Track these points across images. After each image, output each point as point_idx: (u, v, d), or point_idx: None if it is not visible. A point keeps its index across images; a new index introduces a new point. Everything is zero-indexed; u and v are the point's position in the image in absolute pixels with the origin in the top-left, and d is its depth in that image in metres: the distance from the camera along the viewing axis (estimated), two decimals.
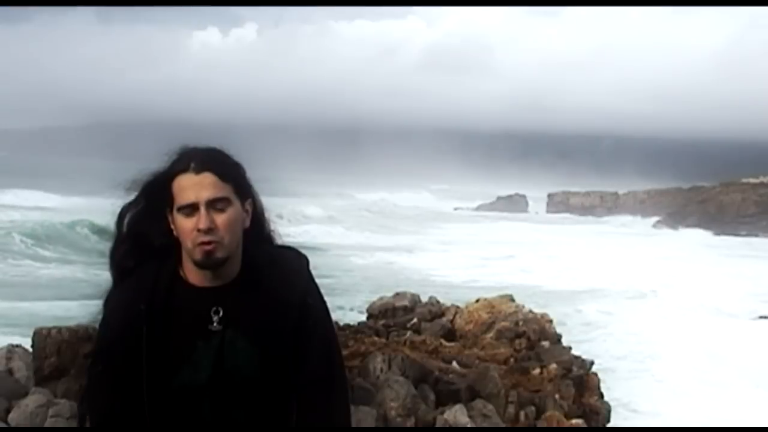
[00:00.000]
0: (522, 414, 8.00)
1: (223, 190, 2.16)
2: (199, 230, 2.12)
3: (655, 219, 63.45)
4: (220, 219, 2.14)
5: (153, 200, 2.22)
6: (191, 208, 2.14)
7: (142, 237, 2.24)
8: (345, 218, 52.53)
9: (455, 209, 75.70)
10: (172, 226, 2.20)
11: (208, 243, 2.13)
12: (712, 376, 14.94)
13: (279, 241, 2.38)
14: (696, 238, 50.98)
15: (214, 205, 2.14)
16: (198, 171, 2.16)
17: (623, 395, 12.78)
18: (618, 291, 25.00)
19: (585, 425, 8.38)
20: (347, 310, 17.81)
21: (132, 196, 2.27)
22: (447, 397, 7.87)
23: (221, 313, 2.19)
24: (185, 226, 2.14)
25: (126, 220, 2.27)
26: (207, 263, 2.16)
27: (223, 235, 2.14)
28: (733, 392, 13.93)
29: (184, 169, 2.17)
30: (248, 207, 2.23)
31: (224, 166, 2.20)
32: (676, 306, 22.31)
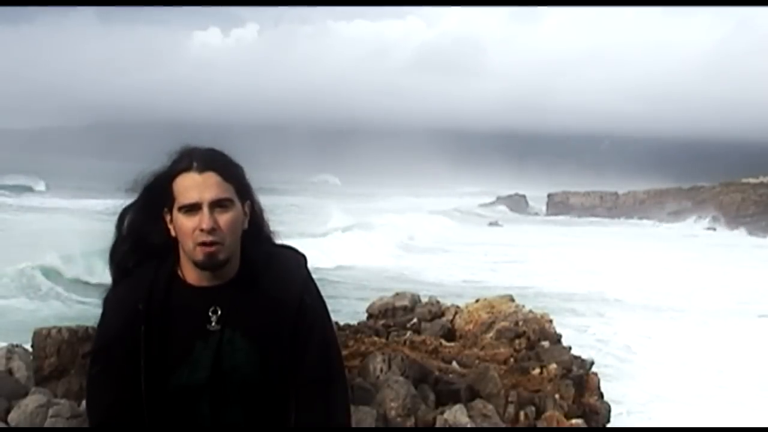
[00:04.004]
0: (522, 414, 7.99)
1: (227, 191, 2.16)
2: (201, 230, 2.12)
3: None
4: (223, 219, 2.14)
5: (152, 200, 2.21)
6: (193, 208, 2.13)
7: (142, 238, 2.24)
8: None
9: (455, 209, 75.73)
10: (170, 226, 2.20)
11: (210, 244, 2.12)
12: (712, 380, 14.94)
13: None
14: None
15: (216, 205, 2.14)
16: (201, 170, 2.15)
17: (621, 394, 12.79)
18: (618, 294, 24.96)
19: (585, 425, 8.37)
20: None
21: (132, 198, 2.27)
22: (447, 397, 7.87)
23: (219, 313, 2.19)
24: (186, 225, 2.14)
25: (126, 221, 2.26)
26: (208, 264, 2.15)
27: (225, 235, 2.14)
28: (732, 395, 13.92)
29: (186, 168, 2.16)
30: (247, 209, 2.23)
31: (227, 167, 2.20)
32: (680, 311, 22.26)
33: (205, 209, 2.13)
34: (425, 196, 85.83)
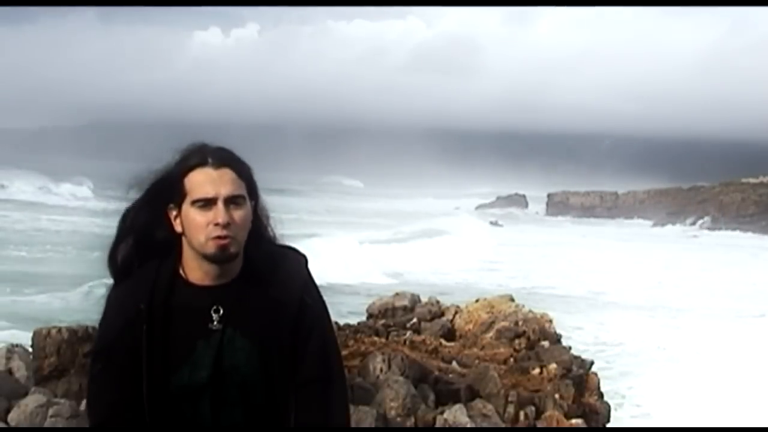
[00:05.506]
0: (522, 414, 7.99)
1: (240, 188, 2.19)
2: (216, 224, 2.13)
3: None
4: (237, 215, 2.16)
5: (159, 196, 2.22)
6: (208, 203, 2.15)
7: (147, 234, 2.24)
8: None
9: (456, 209, 75.81)
10: (175, 222, 2.20)
11: (224, 237, 2.14)
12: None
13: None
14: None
15: (231, 201, 2.16)
16: (217, 166, 2.17)
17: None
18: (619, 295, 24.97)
19: (585, 425, 8.37)
20: None
21: (136, 196, 2.27)
22: (447, 397, 7.87)
23: (221, 312, 2.19)
24: (199, 220, 2.15)
25: (129, 219, 2.27)
26: (220, 257, 2.16)
27: (238, 231, 2.16)
28: (732, 395, 13.92)
29: (201, 164, 2.18)
30: (251, 208, 2.24)
31: (240, 164, 2.23)
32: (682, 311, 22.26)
33: (221, 204, 2.15)
34: (433, 197, 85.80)
